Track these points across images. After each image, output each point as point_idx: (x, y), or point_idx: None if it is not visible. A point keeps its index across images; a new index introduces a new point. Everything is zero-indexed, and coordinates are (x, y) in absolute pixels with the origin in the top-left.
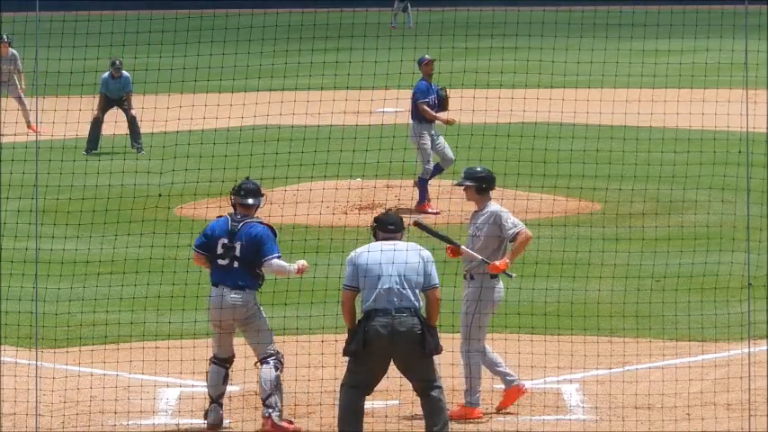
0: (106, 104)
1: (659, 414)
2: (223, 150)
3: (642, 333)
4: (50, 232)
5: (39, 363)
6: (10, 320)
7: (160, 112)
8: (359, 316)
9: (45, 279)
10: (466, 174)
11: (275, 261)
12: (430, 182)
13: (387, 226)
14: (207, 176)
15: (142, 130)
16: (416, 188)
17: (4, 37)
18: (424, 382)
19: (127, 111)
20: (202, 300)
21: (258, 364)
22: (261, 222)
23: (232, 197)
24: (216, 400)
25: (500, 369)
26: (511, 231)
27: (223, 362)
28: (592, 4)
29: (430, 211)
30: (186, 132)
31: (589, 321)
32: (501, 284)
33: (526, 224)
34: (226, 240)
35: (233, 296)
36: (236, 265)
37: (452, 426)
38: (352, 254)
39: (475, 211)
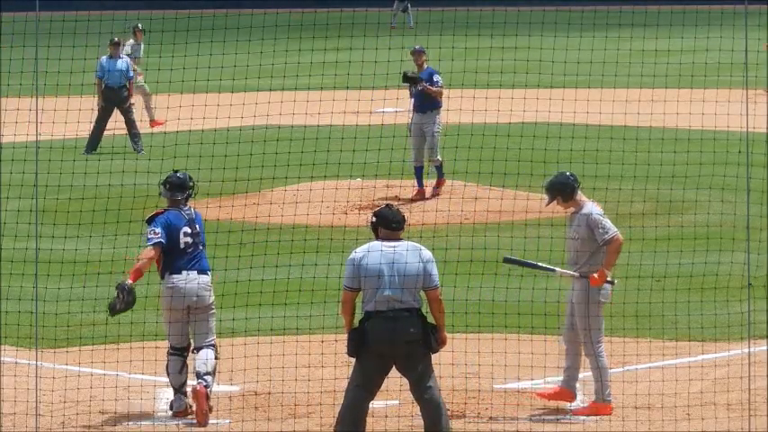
0: (108, 100)
1: (659, 414)
2: (223, 150)
3: (642, 333)
4: (50, 232)
5: (39, 363)
6: (10, 320)
7: (160, 112)
8: (359, 316)
9: (45, 279)
10: (546, 188)
11: None
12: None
13: (390, 224)
14: (207, 176)
15: (142, 131)
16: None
17: (139, 25)
18: (422, 383)
19: (126, 112)
20: None
21: (195, 350)
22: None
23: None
24: (179, 389)
25: (572, 374)
26: (605, 237)
27: (181, 351)
28: (592, 4)
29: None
30: (186, 132)
31: None
32: (607, 285)
33: (526, 224)
34: (188, 229)
35: (203, 279)
36: (200, 248)
37: (453, 426)
38: (353, 254)
39: (572, 212)
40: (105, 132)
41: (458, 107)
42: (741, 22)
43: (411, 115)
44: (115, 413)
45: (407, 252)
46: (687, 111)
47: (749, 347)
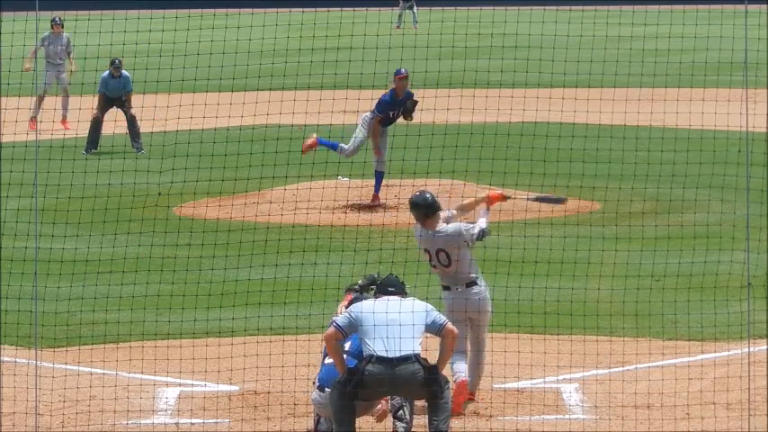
0: (106, 104)
1: (659, 413)
2: (223, 150)
3: (642, 332)
4: (50, 232)
5: (38, 362)
6: (10, 320)
7: (160, 112)
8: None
9: (45, 278)
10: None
11: None
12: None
13: (387, 288)
14: (207, 176)
15: (142, 130)
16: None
17: (57, 19)
18: (434, 399)
19: (126, 110)
20: (202, 299)
21: None
22: None
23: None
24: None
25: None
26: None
27: None
28: (592, 4)
29: (376, 204)
30: (186, 132)
31: (589, 321)
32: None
33: (526, 224)
34: None
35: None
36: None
37: (452, 425)
38: (356, 305)
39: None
40: (105, 132)
41: (458, 107)
42: (741, 22)
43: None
44: (115, 413)
45: (413, 302)
46: (687, 110)
47: (749, 347)
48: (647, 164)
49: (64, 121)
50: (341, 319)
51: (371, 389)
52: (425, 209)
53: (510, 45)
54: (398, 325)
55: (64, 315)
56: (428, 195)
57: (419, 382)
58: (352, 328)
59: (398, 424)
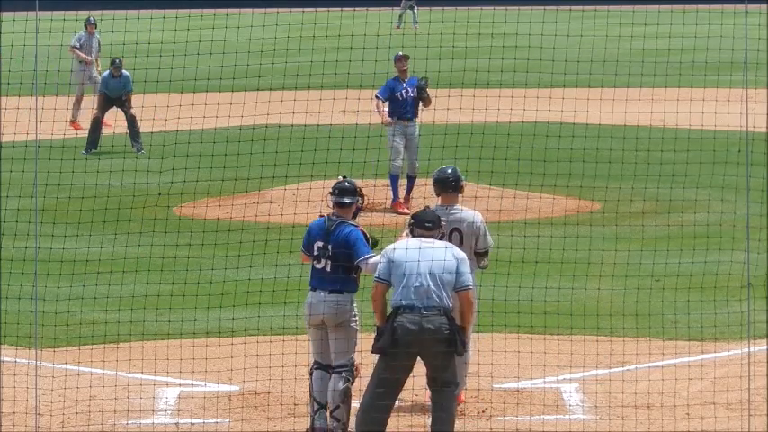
0: (106, 104)
1: (659, 413)
2: (223, 150)
3: (642, 332)
4: (50, 231)
5: (38, 362)
6: (9, 320)
7: (160, 112)
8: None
9: (45, 278)
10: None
11: (372, 260)
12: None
13: (424, 223)
14: (207, 176)
15: (142, 130)
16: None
17: (91, 19)
18: (439, 379)
19: (126, 110)
20: (202, 299)
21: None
22: (354, 225)
23: (329, 197)
24: (323, 405)
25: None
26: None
27: (325, 367)
28: (592, 4)
29: (400, 211)
30: (186, 132)
31: (589, 321)
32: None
33: (526, 223)
34: (320, 243)
35: (329, 298)
36: (329, 267)
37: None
38: (389, 247)
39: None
40: (105, 132)
41: (458, 107)
42: (741, 22)
43: (413, 122)
44: (115, 413)
45: (445, 250)
46: (687, 110)
47: (749, 347)
48: (647, 164)
49: (74, 122)
50: (379, 271)
51: (402, 342)
52: (441, 183)
53: (510, 45)
54: (429, 273)
55: (64, 315)
56: (449, 170)
57: (445, 337)
58: (394, 272)
59: (336, 425)
